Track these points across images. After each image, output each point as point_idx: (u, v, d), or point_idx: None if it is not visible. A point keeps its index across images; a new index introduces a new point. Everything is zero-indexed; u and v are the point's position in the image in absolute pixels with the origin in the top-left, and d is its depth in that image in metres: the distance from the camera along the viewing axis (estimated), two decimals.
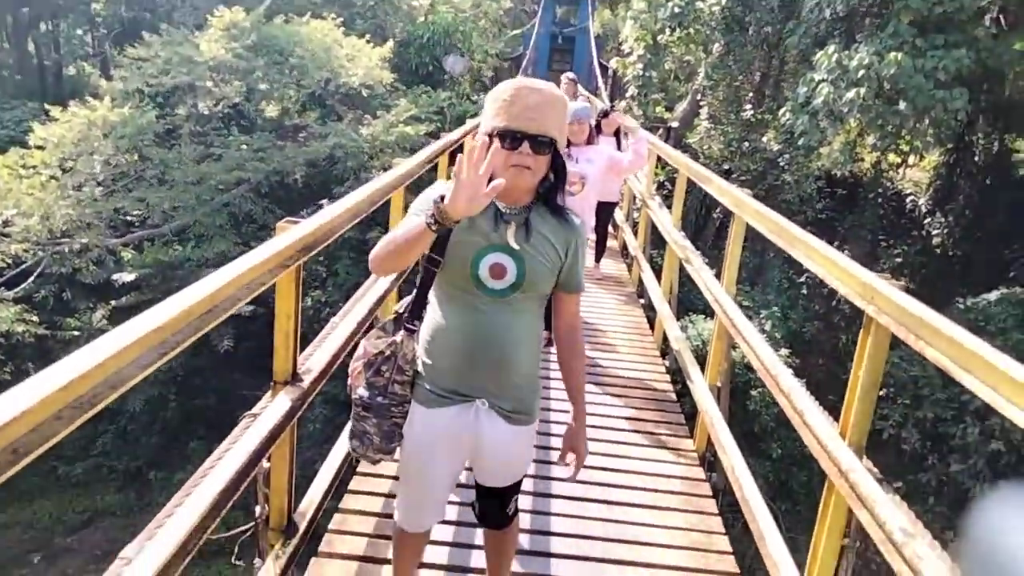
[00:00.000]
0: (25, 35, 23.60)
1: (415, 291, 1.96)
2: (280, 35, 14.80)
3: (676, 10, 16.47)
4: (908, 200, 15.46)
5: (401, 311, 2.03)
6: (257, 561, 2.32)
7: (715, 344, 3.39)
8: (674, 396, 4.20)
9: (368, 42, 15.99)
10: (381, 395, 1.93)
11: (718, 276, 3.51)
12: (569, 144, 4.44)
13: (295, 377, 2.21)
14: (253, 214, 14.20)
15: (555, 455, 3.43)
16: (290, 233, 2.07)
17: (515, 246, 1.78)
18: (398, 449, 2.00)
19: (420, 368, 1.95)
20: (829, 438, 1.83)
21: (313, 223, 2.23)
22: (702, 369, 3.60)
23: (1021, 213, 13.45)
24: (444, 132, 13.43)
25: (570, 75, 9.25)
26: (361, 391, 1.96)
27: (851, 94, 11.35)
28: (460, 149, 7.15)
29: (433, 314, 1.93)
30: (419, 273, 1.93)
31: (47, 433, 0.97)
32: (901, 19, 11.45)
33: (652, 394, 4.25)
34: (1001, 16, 13.09)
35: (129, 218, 14.42)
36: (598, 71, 20.52)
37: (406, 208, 4.34)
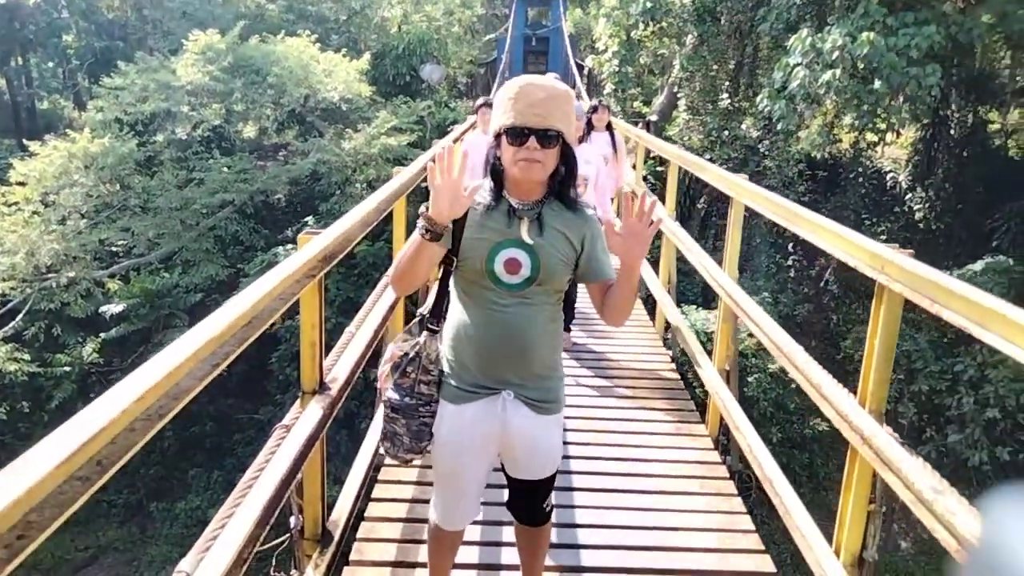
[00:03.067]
0: None
1: (435, 292, 2.01)
2: (256, 55, 14.80)
3: (648, 5, 16.60)
4: (888, 177, 15.66)
5: (424, 312, 2.07)
6: (295, 573, 2.35)
7: (721, 328, 3.45)
8: (682, 383, 4.27)
9: (344, 56, 16.02)
10: (408, 396, 1.97)
11: (718, 263, 3.57)
12: None
13: (323, 386, 2.24)
14: (239, 236, 14.17)
15: (572, 449, 3.49)
16: (312, 244, 2.11)
17: (528, 240, 1.82)
18: (429, 448, 2.04)
19: (445, 367, 1.99)
20: (850, 407, 1.89)
21: (332, 233, 2.28)
22: (708, 355, 3.67)
23: (999, 183, 13.66)
24: (426, 141, 13.46)
25: (553, 75, 9.26)
26: (389, 393, 2.00)
27: (826, 76, 11.49)
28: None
29: (454, 312, 1.97)
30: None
31: (125, 445, 1.01)
32: None
33: (660, 383, 4.31)
34: None
35: (114, 248, 14.35)
36: (575, 70, 20.63)
37: (406, 217, 4.38)
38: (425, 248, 1.78)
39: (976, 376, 10.59)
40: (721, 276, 3.35)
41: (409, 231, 4.39)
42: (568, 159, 1.84)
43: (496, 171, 1.86)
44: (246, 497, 1.67)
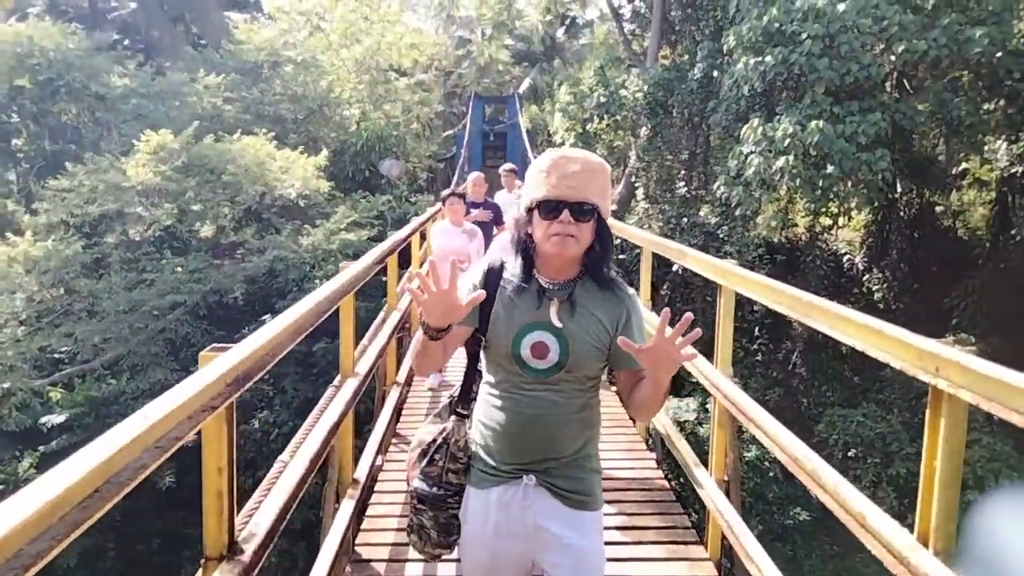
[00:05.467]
0: None
1: (463, 375, 1.93)
2: (211, 154, 14.64)
3: (602, 99, 17.10)
4: (845, 259, 15.91)
5: (453, 395, 1.98)
6: None
7: (717, 433, 3.09)
8: (672, 494, 3.85)
9: (302, 153, 15.98)
10: (436, 485, 1.87)
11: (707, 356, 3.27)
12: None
13: (232, 548, 1.75)
14: (191, 338, 13.57)
15: None
16: (217, 364, 1.67)
17: (558, 324, 1.70)
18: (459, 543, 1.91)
19: (474, 450, 1.86)
20: (907, 547, 1.55)
21: (247, 347, 1.83)
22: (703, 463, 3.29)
23: (952, 262, 13.94)
24: (387, 235, 13.27)
25: (508, 166, 9.31)
26: (416, 483, 1.90)
27: (780, 162, 11.74)
28: (408, 248, 6.94)
29: (484, 395, 1.85)
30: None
31: None
32: (816, 90, 12.04)
33: (649, 494, 3.83)
34: (906, 80, 13.95)
35: (57, 355, 13.60)
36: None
37: (359, 316, 4.03)
38: (432, 346, 1.69)
39: None
40: (714, 374, 3.03)
41: (360, 328, 4.06)
42: (604, 236, 1.71)
43: (527, 249, 1.75)
44: None
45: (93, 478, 1.08)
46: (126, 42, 22.91)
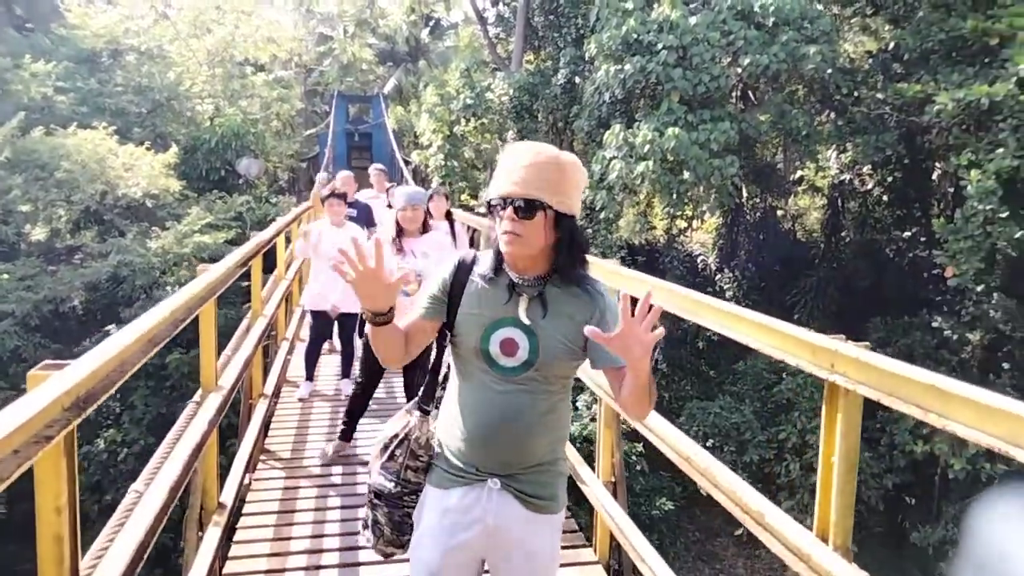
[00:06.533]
0: None
1: (429, 372, 1.88)
2: (41, 148, 13.26)
3: (468, 102, 17.15)
4: (699, 260, 16.87)
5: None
6: None
7: (604, 434, 3.11)
8: None
9: (149, 149, 14.83)
10: (393, 482, 1.82)
11: None
12: (401, 235, 4.14)
13: None
14: (22, 353, 12.21)
15: None
16: (51, 384, 1.40)
17: (526, 321, 1.65)
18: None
19: (437, 449, 1.80)
20: (807, 543, 1.59)
21: (90, 364, 1.57)
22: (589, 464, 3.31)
23: (792, 262, 15.15)
24: (246, 237, 12.60)
25: (378, 166, 9.09)
26: (374, 476, 1.86)
27: (640, 167, 12.25)
28: (274, 250, 6.59)
29: (450, 392, 1.79)
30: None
31: None
32: (671, 98, 12.68)
33: None
34: (751, 92, 14.99)
35: None
36: (402, 163, 20.68)
37: (220, 322, 3.74)
38: (379, 332, 1.65)
39: (798, 443, 11.24)
40: (599, 375, 3.06)
41: (221, 336, 3.77)
42: (565, 233, 1.63)
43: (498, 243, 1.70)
44: None
45: None
46: None
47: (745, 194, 16.31)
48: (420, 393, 1.89)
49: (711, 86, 12.52)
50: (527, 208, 1.59)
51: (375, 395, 4.54)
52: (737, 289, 15.61)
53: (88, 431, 12.03)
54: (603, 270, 3.28)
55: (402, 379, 4.52)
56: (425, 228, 4.21)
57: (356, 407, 4.44)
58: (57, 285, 12.45)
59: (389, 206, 7.25)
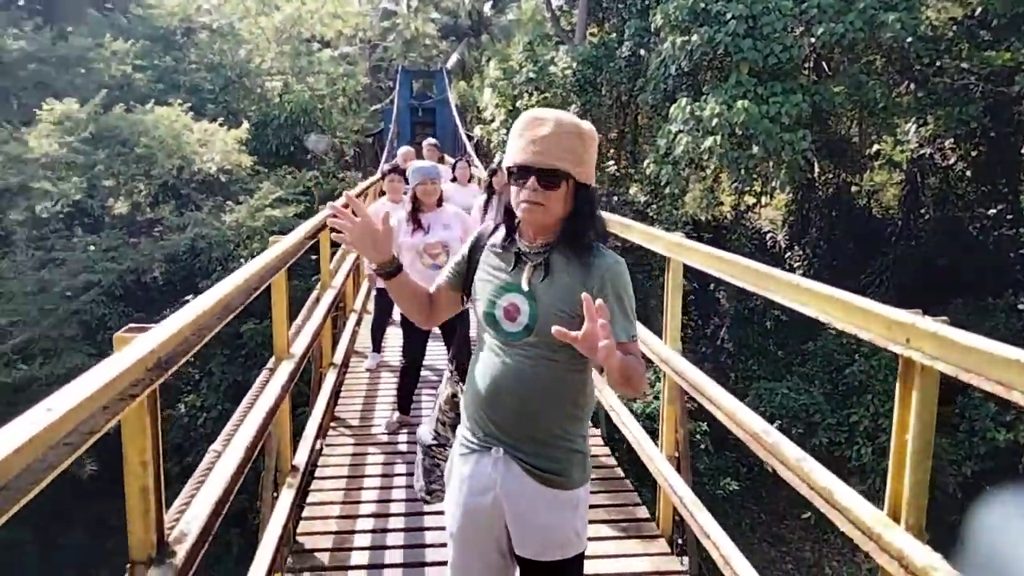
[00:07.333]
0: None
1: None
2: (122, 125, 13.82)
3: (531, 75, 17.01)
4: (768, 237, 16.42)
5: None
6: None
7: (667, 410, 3.09)
8: (620, 471, 3.87)
9: (221, 125, 15.28)
10: (432, 433, 2.05)
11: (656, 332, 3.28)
12: (419, 209, 4.19)
13: (162, 550, 1.58)
14: (108, 320, 12.87)
15: None
16: (135, 346, 1.48)
17: (526, 287, 1.68)
18: (438, 493, 2.04)
19: (463, 416, 1.86)
20: (878, 521, 1.56)
21: (170, 328, 1.65)
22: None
23: (867, 240, 14.59)
24: (314, 212, 12.88)
25: (431, 140, 9.18)
26: (421, 426, 2.13)
27: (708, 142, 11.96)
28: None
29: (473, 358, 1.84)
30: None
31: None
32: (740, 70, 12.29)
33: (597, 472, 3.73)
34: (824, 63, 14.41)
35: None
36: (464, 138, 20.74)
37: (291, 294, 3.86)
38: (393, 286, 1.78)
39: (871, 427, 10.91)
40: (663, 349, 3.04)
41: (293, 306, 3.89)
42: (581, 202, 1.66)
43: (510, 212, 1.72)
44: None
45: None
46: (21, 2, 21.27)
47: (817, 169, 15.75)
48: (451, 353, 2.02)
49: (782, 57, 12.08)
50: (552, 177, 1.59)
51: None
52: (808, 268, 15.16)
53: (170, 396, 12.64)
54: (665, 242, 3.24)
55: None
56: (440, 202, 4.27)
57: (403, 383, 4.57)
58: (139, 256, 13.03)
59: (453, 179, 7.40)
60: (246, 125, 15.90)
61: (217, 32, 19.25)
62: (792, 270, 15.18)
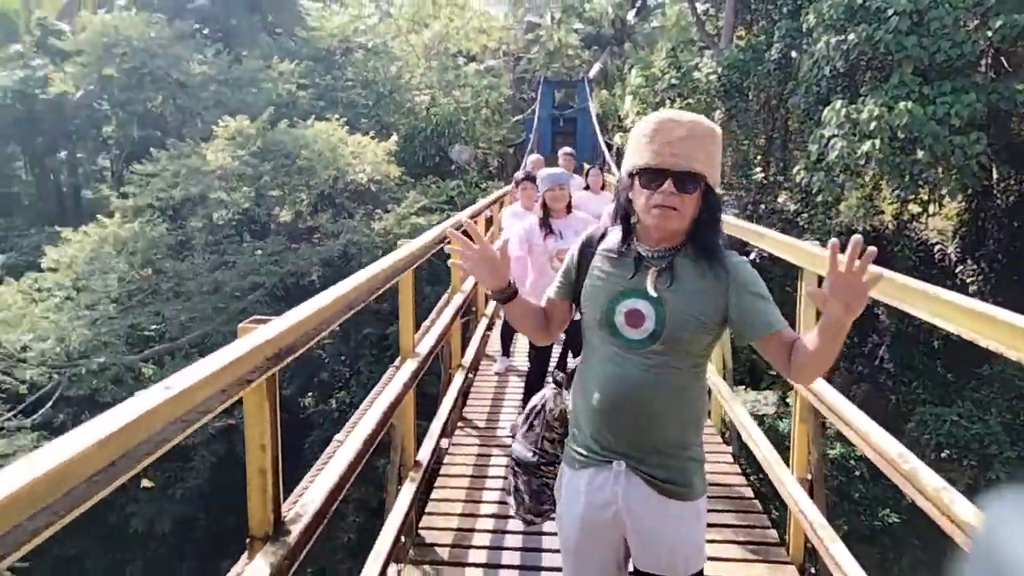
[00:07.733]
0: (42, 163, 24.26)
1: (561, 343, 2.13)
2: (286, 139, 15.01)
3: (673, 82, 16.67)
4: (936, 249, 15.04)
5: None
6: None
7: (798, 428, 2.89)
8: (750, 491, 3.67)
9: (373, 139, 16.20)
10: (532, 451, 1.91)
11: None
12: (549, 216, 4.16)
13: (279, 529, 1.69)
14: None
15: None
16: (255, 335, 1.59)
17: (653, 292, 1.60)
18: (552, 514, 1.91)
19: (573, 428, 1.79)
20: None
21: (289, 320, 1.76)
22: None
23: None
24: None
25: (566, 150, 9.22)
26: (515, 445, 1.96)
27: (866, 146, 11.16)
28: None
29: (579, 369, 1.78)
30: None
31: None
32: (904, 69, 11.38)
33: (726, 490, 3.64)
34: (1004, 58, 13.04)
35: (147, 333, 14.24)
36: (604, 147, 20.67)
37: (429, 301, 4.00)
38: (509, 309, 1.75)
39: None
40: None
41: (421, 309, 4.01)
42: (711, 208, 1.61)
43: (627, 215, 1.66)
44: None
45: (106, 452, 1.01)
46: (205, 31, 23.67)
47: (995, 175, 14.22)
48: (554, 366, 1.92)
49: (952, 53, 11.05)
50: (689, 181, 1.53)
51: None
52: (983, 283, 13.70)
53: (323, 392, 13.54)
54: (803, 253, 3.04)
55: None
56: (569, 208, 4.22)
57: (528, 387, 4.58)
58: (299, 261, 14.07)
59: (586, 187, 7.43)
60: (395, 137, 16.76)
61: (372, 51, 20.46)
62: (964, 286, 13.80)
